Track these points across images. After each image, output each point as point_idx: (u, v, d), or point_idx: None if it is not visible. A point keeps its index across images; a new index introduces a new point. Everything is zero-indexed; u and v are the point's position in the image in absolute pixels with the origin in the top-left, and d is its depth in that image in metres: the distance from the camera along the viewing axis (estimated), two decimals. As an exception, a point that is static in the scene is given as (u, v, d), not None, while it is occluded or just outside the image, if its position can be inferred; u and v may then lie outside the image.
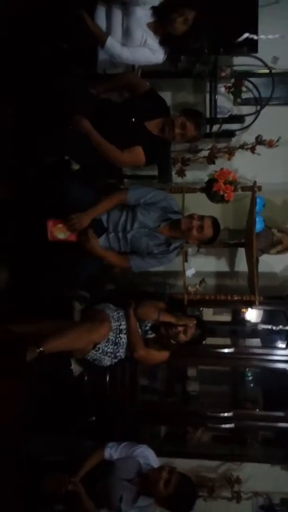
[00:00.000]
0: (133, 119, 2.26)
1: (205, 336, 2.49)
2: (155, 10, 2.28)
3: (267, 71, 3.09)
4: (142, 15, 2.28)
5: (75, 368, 2.38)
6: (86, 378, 2.62)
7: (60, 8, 2.19)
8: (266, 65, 3.06)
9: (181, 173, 3.16)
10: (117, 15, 2.31)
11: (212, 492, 3.25)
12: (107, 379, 2.78)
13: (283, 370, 2.87)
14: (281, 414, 2.89)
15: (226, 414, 2.90)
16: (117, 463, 2.36)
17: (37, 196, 2.30)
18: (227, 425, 2.91)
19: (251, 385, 3.24)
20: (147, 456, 2.41)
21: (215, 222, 2.38)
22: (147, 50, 2.34)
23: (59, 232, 2.21)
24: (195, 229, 2.32)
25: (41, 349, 1.97)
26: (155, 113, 2.33)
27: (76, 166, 2.46)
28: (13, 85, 2.26)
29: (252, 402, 3.22)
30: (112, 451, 2.37)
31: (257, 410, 3.13)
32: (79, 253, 2.26)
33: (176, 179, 3.15)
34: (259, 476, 3.27)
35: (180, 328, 2.36)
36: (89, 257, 2.28)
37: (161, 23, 2.27)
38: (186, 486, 2.30)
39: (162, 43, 2.33)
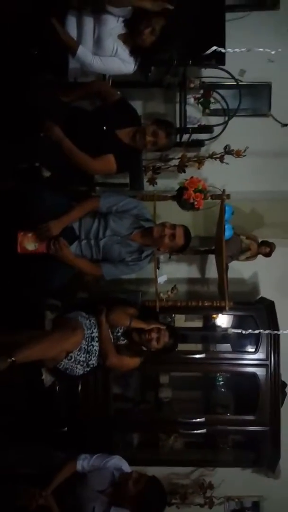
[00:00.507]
0: (105, 127, 2.28)
1: (177, 345, 2.51)
2: (126, 22, 2.31)
3: (235, 83, 3.18)
4: (115, 26, 2.30)
5: (47, 377, 2.35)
6: (58, 387, 2.57)
7: (31, 15, 2.18)
8: (233, 77, 3.15)
9: (152, 181, 3.20)
10: (89, 24, 2.31)
11: (185, 499, 3.27)
12: (79, 388, 2.74)
13: (253, 373, 2.93)
14: (251, 417, 2.94)
15: (198, 420, 2.92)
16: (89, 475, 2.34)
17: (7, 204, 2.27)
18: (199, 431, 2.93)
19: (222, 390, 3.27)
20: (120, 466, 2.41)
21: (186, 231, 2.42)
22: (118, 60, 2.36)
23: (28, 243, 2.16)
24: (167, 237, 2.34)
25: (12, 359, 1.93)
26: (126, 122, 2.36)
27: (47, 173, 2.45)
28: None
29: (223, 406, 3.25)
30: (84, 463, 2.35)
31: (228, 414, 3.17)
32: (50, 261, 2.23)
33: (148, 187, 3.19)
34: (231, 481, 3.33)
35: (153, 335, 2.37)
36: (61, 265, 2.26)
37: (131, 35, 2.30)
38: (155, 486, 2.32)
39: (132, 54, 2.36)
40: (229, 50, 2.62)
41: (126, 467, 2.43)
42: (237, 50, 2.55)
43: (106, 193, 2.40)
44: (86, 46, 2.30)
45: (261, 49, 2.55)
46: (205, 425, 2.93)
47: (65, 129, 2.19)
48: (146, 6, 2.17)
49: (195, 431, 2.94)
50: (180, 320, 3.30)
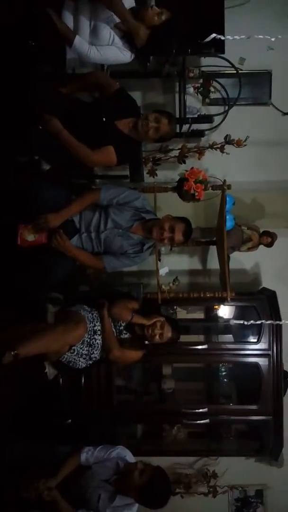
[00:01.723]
0: (104, 119, 2.25)
1: (179, 337, 2.51)
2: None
3: (235, 71, 3.14)
4: (110, 14, 2.28)
5: (50, 371, 2.35)
6: (61, 380, 2.58)
7: (28, 6, 2.14)
8: (233, 66, 3.11)
9: (152, 173, 3.18)
10: (85, 13, 2.29)
11: (189, 488, 3.29)
12: (82, 381, 2.75)
13: (255, 364, 2.94)
14: (254, 407, 2.95)
15: (201, 410, 2.93)
16: (94, 466, 2.35)
17: (7, 199, 2.25)
18: (202, 421, 2.94)
19: (225, 380, 3.28)
20: (124, 456, 2.42)
21: (186, 227, 2.39)
22: (115, 49, 2.34)
23: (28, 234, 2.16)
24: (166, 240, 2.35)
25: (16, 352, 1.93)
26: (126, 113, 2.33)
27: (46, 166, 2.43)
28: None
29: (226, 397, 3.27)
30: (88, 456, 2.37)
31: (231, 404, 3.18)
32: (51, 255, 2.23)
33: (148, 178, 3.17)
34: (234, 470, 3.35)
35: (156, 331, 2.37)
36: (62, 258, 2.26)
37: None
38: (161, 476, 2.33)
39: (129, 42, 2.33)
40: (229, 37, 2.58)
41: (130, 457, 2.45)
42: (236, 37, 2.51)
43: (106, 186, 2.38)
44: (82, 35, 2.28)
45: (261, 36, 2.51)
46: (208, 415, 2.94)
47: (64, 121, 2.17)
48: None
49: (198, 422, 2.96)
50: (182, 312, 3.30)
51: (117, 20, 2.28)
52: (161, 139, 2.43)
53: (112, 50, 2.34)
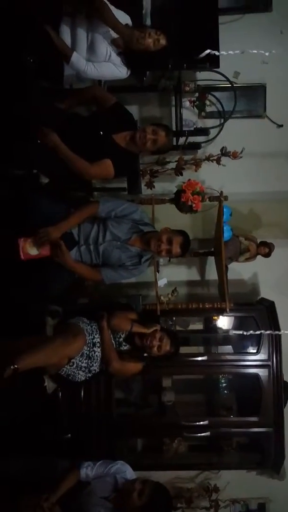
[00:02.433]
0: (101, 132, 2.28)
1: (178, 352, 2.50)
2: None
3: (230, 85, 3.20)
4: (107, 30, 2.32)
5: (49, 384, 2.34)
6: (60, 394, 2.56)
7: (26, 23, 2.19)
8: (228, 80, 3.17)
9: (150, 185, 3.21)
10: (82, 30, 2.33)
11: (191, 503, 3.25)
12: (82, 394, 2.73)
13: (255, 374, 2.93)
14: (254, 419, 2.93)
15: (201, 423, 2.91)
16: (93, 482, 2.31)
17: (5, 212, 2.26)
18: (203, 434, 2.92)
19: (225, 391, 3.26)
20: (124, 472, 2.38)
21: (184, 240, 2.40)
22: (112, 65, 2.38)
23: (30, 248, 2.16)
24: (164, 252, 2.36)
25: (15, 366, 1.92)
26: (123, 126, 2.36)
27: (45, 180, 2.45)
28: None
29: (226, 408, 3.24)
30: (88, 471, 2.33)
31: (232, 416, 3.16)
32: (50, 267, 2.23)
33: (145, 190, 3.19)
34: (236, 483, 3.31)
35: (155, 343, 2.36)
36: (60, 270, 2.26)
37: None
38: (161, 494, 2.26)
39: (125, 58, 2.37)
40: (223, 52, 2.64)
41: (130, 472, 2.41)
42: (231, 52, 2.57)
43: (104, 198, 2.40)
44: (80, 51, 2.32)
45: (255, 51, 2.57)
46: (209, 428, 2.92)
47: (62, 136, 2.20)
48: None
49: (199, 434, 2.93)
50: (180, 324, 3.30)
51: (114, 36, 2.33)
52: (159, 151, 2.46)
53: (109, 67, 2.38)
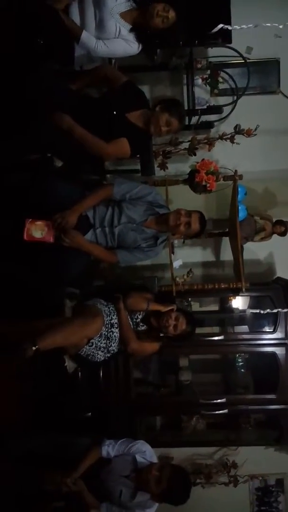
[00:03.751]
0: (115, 112, 2.26)
1: (194, 331, 2.52)
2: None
3: (242, 61, 3.12)
4: (114, 5, 2.28)
5: (69, 364, 2.39)
6: (80, 374, 2.62)
7: (35, 4, 2.16)
8: (241, 56, 3.10)
9: (163, 166, 3.18)
10: (90, 8, 2.30)
11: (210, 478, 3.31)
12: (101, 374, 2.79)
13: (272, 353, 2.94)
14: (272, 396, 2.95)
15: (219, 401, 2.95)
16: (114, 460, 2.37)
17: (21, 195, 2.28)
18: (221, 411, 2.96)
19: (242, 370, 3.29)
20: (144, 451, 2.43)
21: (202, 217, 2.42)
22: (122, 41, 2.34)
23: (35, 230, 2.16)
24: (183, 225, 2.36)
25: (36, 346, 1.97)
26: (135, 104, 2.34)
27: (59, 163, 2.45)
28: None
29: (243, 387, 3.27)
30: (109, 449, 2.39)
31: (249, 394, 3.19)
32: (66, 250, 2.25)
33: (159, 172, 3.17)
34: (254, 459, 3.36)
35: (171, 322, 2.38)
36: (77, 253, 2.28)
37: (140, 12, 2.27)
38: (178, 479, 2.32)
39: (136, 32, 2.33)
40: (236, 27, 2.57)
41: (150, 452, 2.46)
42: (244, 26, 2.50)
43: (118, 180, 2.40)
44: (89, 30, 2.29)
45: (268, 24, 2.50)
46: (226, 406, 2.95)
47: (75, 117, 2.19)
48: None
49: (217, 412, 2.97)
50: (196, 305, 3.31)
51: (122, 10, 2.29)
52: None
53: (119, 43, 2.34)
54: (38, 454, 2.42)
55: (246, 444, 3.32)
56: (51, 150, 2.41)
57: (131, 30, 2.32)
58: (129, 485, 2.30)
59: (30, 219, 2.16)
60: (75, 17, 2.30)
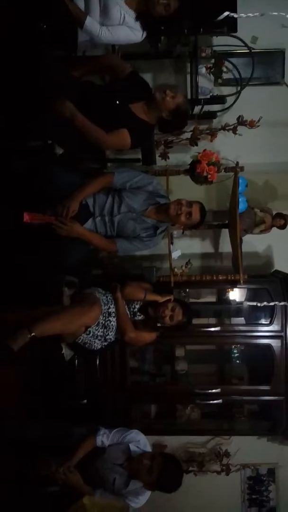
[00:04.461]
0: (118, 102, 2.24)
1: (191, 322, 2.53)
2: None
3: (247, 50, 3.09)
4: None
5: (66, 352, 2.40)
6: (77, 361, 2.64)
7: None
8: (246, 45, 3.06)
9: (164, 156, 3.16)
10: (94, -6, 2.26)
11: (202, 466, 3.36)
12: (97, 362, 2.81)
13: (268, 345, 2.96)
14: (266, 387, 2.98)
15: (213, 391, 2.97)
16: (108, 449, 2.40)
17: (21, 182, 2.27)
18: (215, 401, 2.99)
19: (237, 362, 3.32)
20: (138, 440, 2.47)
21: (202, 207, 2.42)
22: (126, 28, 2.30)
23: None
24: (184, 215, 2.35)
25: (32, 334, 1.98)
26: (139, 96, 2.32)
27: (59, 151, 2.43)
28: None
29: (238, 378, 3.30)
30: (104, 438, 2.41)
31: (243, 385, 3.22)
32: (66, 238, 2.25)
33: (160, 161, 3.15)
34: (246, 449, 3.41)
35: (167, 313, 2.39)
36: (76, 241, 2.28)
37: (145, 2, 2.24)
38: (170, 467, 2.36)
39: (139, 20, 2.30)
40: (242, 15, 2.53)
41: (143, 441, 2.49)
42: (250, 15, 2.46)
43: (119, 169, 2.39)
44: (93, 16, 2.25)
45: (275, 13, 2.46)
46: (221, 396, 2.98)
47: (77, 105, 2.16)
48: None
49: (211, 402, 3.00)
50: (193, 296, 3.32)
51: None
52: None
53: (123, 30, 2.31)
54: (33, 439, 2.45)
55: (239, 434, 3.36)
56: (54, 138, 2.38)
57: (135, 18, 2.28)
58: (122, 473, 2.34)
59: (27, 213, 2.13)
60: (80, 2, 2.26)
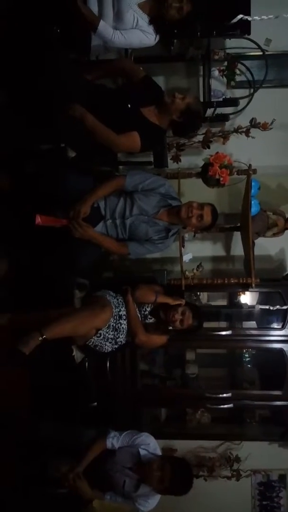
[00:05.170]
0: (129, 105, 2.25)
1: (201, 326, 2.52)
2: None
3: (261, 53, 3.07)
4: None
5: (77, 354, 2.41)
6: (87, 364, 2.64)
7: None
8: (259, 47, 3.04)
9: (176, 159, 3.15)
10: (108, -2, 2.27)
11: (212, 471, 3.33)
12: (108, 365, 2.81)
13: (280, 350, 2.93)
14: (278, 393, 2.95)
15: (224, 395, 2.95)
16: (118, 452, 2.41)
17: (34, 185, 2.29)
18: (226, 406, 2.96)
19: (248, 366, 3.29)
20: (148, 443, 2.46)
21: (214, 210, 2.41)
22: (140, 32, 2.31)
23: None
24: (195, 218, 2.35)
25: (44, 336, 1.99)
26: (152, 100, 2.32)
27: (72, 154, 2.44)
28: (5, 71, 2.22)
29: (249, 382, 3.27)
30: (114, 441, 2.42)
31: (255, 390, 3.19)
32: (77, 241, 2.26)
33: (172, 164, 3.14)
34: (257, 454, 3.37)
35: (177, 317, 2.38)
36: (87, 244, 2.29)
37: (156, 3, 2.24)
38: (180, 472, 2.35)
39: (152, 23, 2.30)
40: (256, 18, 2.51)
41: (154, 444, 2.48)
42: (264, 17, 2.44)
43: (131, 172, 2.39)
44: (107, 20, 2.26)
45: (290, 15, 2.44)
46: (232, 400, 2.96)
47: (89, 107, 2.17)
48: None
49: (222, 406, 2.98)
50: (204, 299, 3.30)
51: (140, 0, 2.26)
52: None
53: (136, 34, 2.31)
54: (43, 444, 2.46)
55: (250, 439, 3.32)
56: (65, 140, 2.40)
57: (149, 21, 2.29)
58: (132, 476, 2.34)
59: (38, 215, 2.14)
60: (93, 5, 2.27)
